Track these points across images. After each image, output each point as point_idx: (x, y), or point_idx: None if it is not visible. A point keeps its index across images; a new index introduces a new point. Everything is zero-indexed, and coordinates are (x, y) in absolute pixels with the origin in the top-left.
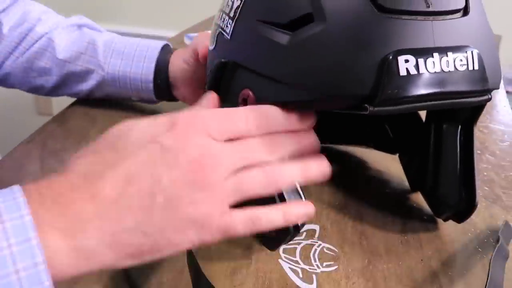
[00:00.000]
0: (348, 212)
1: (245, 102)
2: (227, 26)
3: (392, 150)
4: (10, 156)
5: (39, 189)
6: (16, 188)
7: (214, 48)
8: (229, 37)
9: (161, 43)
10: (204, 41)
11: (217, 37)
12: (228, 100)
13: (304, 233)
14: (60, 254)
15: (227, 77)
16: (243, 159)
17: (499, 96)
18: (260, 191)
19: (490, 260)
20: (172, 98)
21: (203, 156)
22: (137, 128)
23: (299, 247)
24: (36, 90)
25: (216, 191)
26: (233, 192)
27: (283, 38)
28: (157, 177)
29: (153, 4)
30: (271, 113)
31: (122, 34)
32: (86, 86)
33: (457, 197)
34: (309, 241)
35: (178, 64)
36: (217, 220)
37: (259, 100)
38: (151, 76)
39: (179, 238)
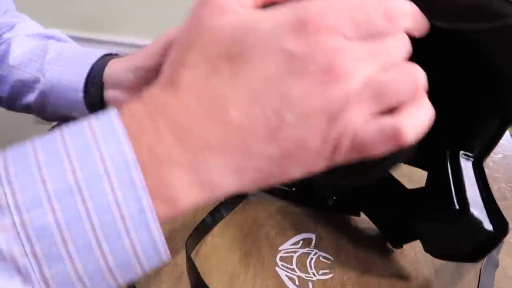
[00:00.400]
0: (344, 222)
1: None
2: None
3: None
4: None
5: (148, 114)
6: (116, 118)
7: None
8: None
9: (106, 51)
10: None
11: None
12: None
13: (301, 242)
14: (182, 191)
15: None
16: (382, 63)
17: None
18: (403, 98)
19: (481, 268)
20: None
21: (337, 62)
22: (257, 30)
23: (295, 255)
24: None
25: (353, 101)
26: (373, 100)
27: None
28: (285, 91)
29: (153, 15)
30: (410, 8)
31: (123, 45)
32: (32, 97)
33: (488, 223)
34: (305, 250)
35: (127, 58)
36: (354, 134)
37: None
38: (81, 85)
39: (311, 158)
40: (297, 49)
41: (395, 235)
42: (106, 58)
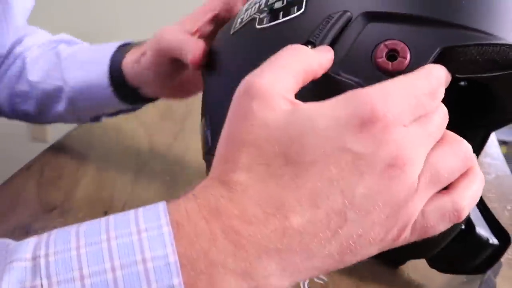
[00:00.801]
0: None
1: (392, 58)
2: None
3: None
4: (6, 184)
5: (202, 214)
6: (164, 216)
7: (304, 12)
8: None
9: (119, 42)
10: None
11: (306, 2)
12: (349, 61)
13: None
14: None
15: (351, 33)
16: (433, 140)
17: None
18: (457, 175)
19: None
20: (149, 99)
21: (401, 154)
22: (316, 128)
23: None
24: (25, 117)
25: (416, 190)
26: (431, 184)
27: None
28: (349, 192)
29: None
30: (442, 75)
31: None
32: (62, 105)
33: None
34: None
35: (132, 57)
36: (416, 220)
37: (417, 53)
38: (106, 80)
39: (372, 248)
40: (361, 148)
41: (394, 256)
42: (121, 50)
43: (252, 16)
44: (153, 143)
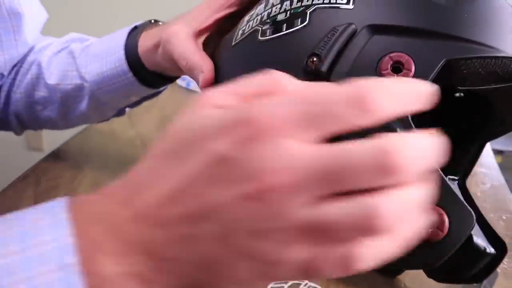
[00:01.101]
0: None
1: (397, 71)
2: None
3: None
4: (3, 193)
5: (86, 203)
6: (58, 203)
7: (308, 24)
8: (352, 6)
9: (129, 27)
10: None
11: (310, 14)
12: (354, 73)
13: None
14: (111, 283)
15: (356, 46)
16: (341, 181)
17: None
18: (346, 239)
19: None
20: (172, 78)
21: (272, 173)
22: (199, 128)
23: (286, 286)
24: (49, 124)
25: (284, 227)
26: (307, 234)
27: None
28: (207, 198)
29: None
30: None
31: None
32: (84, 104)
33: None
34: (296, 280)
35: (147, 44)
36: (286, 259)
37: (422, 65)
38: (125, 66)
39: (233, 275)
40: (226, 150)
41: (391, 266)
42: (133, 36)
43: (254, 28)
44: None
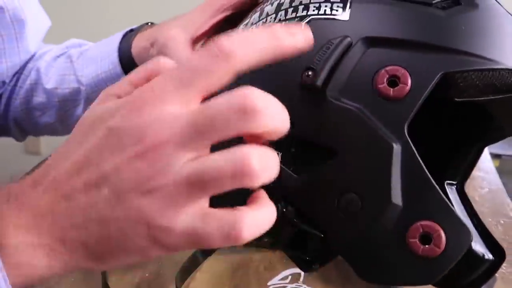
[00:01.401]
0: None
1: (393, 85)
2: (334, 9)
3: None
4: None
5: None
6: None
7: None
8: (347, 18)
9: (124, 31)
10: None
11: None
12: (350, 86)
13: (290, 277)
14: (22, 253)
15: (351, 59)
16: (210, 131)
17: None
18: (227, 186)
19: None
20: None
21: (153, 134)
22: (95, 110)
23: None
24: (49, 129)
25: (169, 183)
26: (191, 186)
27: (438, 11)
28: (101, 166)
29: None
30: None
31: None
32: (81, 108)
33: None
34: (294, 285)
35: (141, 44)
36: (174, 222)
37: (418, 78)
38: (118, 69)
39: (130, 241)
40: (114, 122)
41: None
42: (127, 38)
43: None
44: None
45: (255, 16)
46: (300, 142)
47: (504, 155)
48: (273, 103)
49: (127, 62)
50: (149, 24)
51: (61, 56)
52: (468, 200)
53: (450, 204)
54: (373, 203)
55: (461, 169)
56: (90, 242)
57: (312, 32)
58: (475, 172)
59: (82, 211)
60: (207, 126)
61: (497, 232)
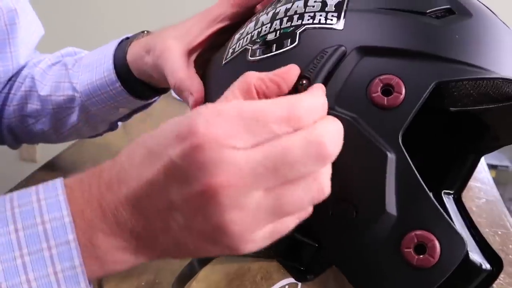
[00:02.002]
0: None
1: (387, 94)
2: (329, 18)
3: None
4: None
5: (79, 184)
6: (59, 184)
7: (297, 45)
8: (341, 27)
9: (119, 39)
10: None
11: (299, 34)
12: (344, 95)
13: (286, 287)
14: (104, 253)
15: (345, 68)
16: (280, 175)
17: None
18: (305, 214)
19: None
20: (160, 90)
21: (214, 179)
22: (152, 137)
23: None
24: (43, 137)
25: (248, 215)
26: (269, 216)
27: (432, 20)
28: (169, 194)
29: None
30: (312, 102)
31: None
32: (75, 116)
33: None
34: None
35: (136, 52)
36: (252, 241)
37: (412, 87)
38: (113, 76)
39: (206, 253)
40: (175, 158)
41: None
42: (122, 45)
43: (244, 47)
44: None
45: (250, 25)
46: None
47: (500, 165)
48: (339, 143)
49: (122, 69)
50: (145, 32)
51: (56, 64)
52: (466, 209)
53: (444, 214)
54: (368, 213)
55: (458, 178)
56: (164, 251)
57: (307, 41)
58: (472, 183)
59: (158, 229)
60: (285, 169)
61: (494, 243)
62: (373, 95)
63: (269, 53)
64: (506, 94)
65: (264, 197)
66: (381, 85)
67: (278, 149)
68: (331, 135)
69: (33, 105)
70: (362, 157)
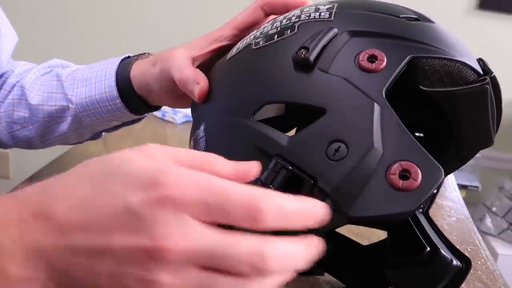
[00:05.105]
0: (311, 280)
1: (371, 62)
2: (322, 15)
3: None
4: None
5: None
6: None
7: (296, 32)
8: (333, 19)
9: (122, 56)
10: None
11: (298, 26)
12: (336, 63)
13: None
14: (14, 283)
15: (337, 43)
16: (221, 264)
17: None
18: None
19: None
20: (154, 107)
21: (171, 238)
22: (123, 165)
23: None
24: (26, 143)
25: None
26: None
27: (405, 20)
28: (111, 237)
29: None
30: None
31: None
32: (65, 125)
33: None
34: None
35: (142, 67)
36: None
37: (391, 58)
38: (114, 92)
39: None
40: (138, 208)
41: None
42: (125, 63)
43: (248, 43)
44: None
45: (253, 32)
46: (292, 108)
47: (470, 186)
48: (287, 266)
49: (123, 86)
50: (147, 54)
51: (46, 75)
52: (434, 223)
53: (423, 148)
54: (358, 148)
55: None
56: None
57: (303, 30)
58: (444, 202)
59: (80, 268)
60: (220, 259)
61: None
62: (361, 62)
63: (271, 41)
64: (465, 78)
65: (199, 275)
66: (367, 55)
67: (227, 241)
68: (282, 255)
69: (20, 113)
70: (353, 105)
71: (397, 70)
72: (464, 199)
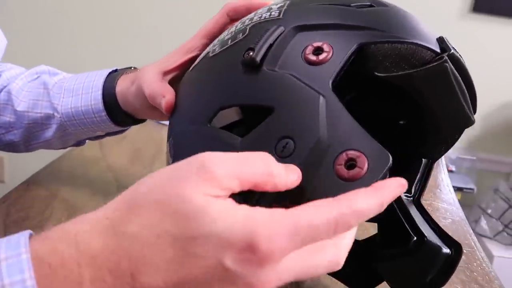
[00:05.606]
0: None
1: (317, 54)
2: (272, 14)
3: None
4: None
5: (77, 263)
6: (23, 243)
7: (247, 35)
8: (281, 17)
9: (108, 70)
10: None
11: (249, 28)
12: (284, 60)
13: None
14: None
15: (284, 40)
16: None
17: (441, 175)
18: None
19: None
20: (138, 120)
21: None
22: (209, 233)
23: None
24: (10, 147)
25: None
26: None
27: (355, 8)
28: None
29: None
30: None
31: None
32: (50, 132)
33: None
34: None
35: (124, 84)
36: None
37: (338, 48)
38: (100, 105)
39: None
40: (233, 267)
41: (360, 283)
42: (112, 77)
43: (207, 51)
44: (121, 186)
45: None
46: (247, 110)
47: (465, 188)
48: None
49: (109, 100)
50: (132, 68)
51: (32, 82)
52: (426, 211)
53: (368, 134)
54: (305, 143)
55: (414, 182)
56: None
57: (254, 31)
58: (439, 204)
59: None
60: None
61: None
62: (307, 55)
63: (225, 46)
64: (422, 59)
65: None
66: (313, 48)
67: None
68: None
69: (5, 117)
70: (299, 100)
71: (344, 60)
72: (460, 201)
